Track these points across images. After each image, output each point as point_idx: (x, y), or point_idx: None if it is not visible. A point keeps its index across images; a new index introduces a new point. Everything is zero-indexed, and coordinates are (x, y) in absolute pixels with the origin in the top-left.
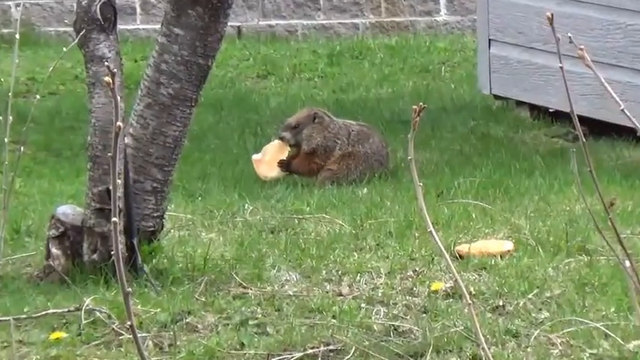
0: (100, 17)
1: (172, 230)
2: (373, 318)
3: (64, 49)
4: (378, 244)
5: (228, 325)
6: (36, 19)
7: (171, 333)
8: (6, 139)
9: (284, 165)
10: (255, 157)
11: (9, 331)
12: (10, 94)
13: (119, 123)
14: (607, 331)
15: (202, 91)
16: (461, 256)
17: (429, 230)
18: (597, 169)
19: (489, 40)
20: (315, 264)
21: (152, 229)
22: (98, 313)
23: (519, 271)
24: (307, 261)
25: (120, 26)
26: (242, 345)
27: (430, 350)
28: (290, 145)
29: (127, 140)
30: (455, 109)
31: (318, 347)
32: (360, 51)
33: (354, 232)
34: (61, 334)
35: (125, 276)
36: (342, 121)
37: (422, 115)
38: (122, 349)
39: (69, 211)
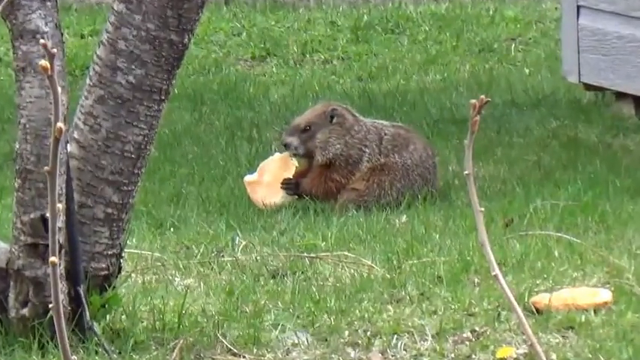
0: None
1: (134, 274)
2: None
3: None
4: (422, 294)
5: None
6: None
7: None
8: None
9: (291, 185)
10: (248, 178)
11: None
12: None
13: (60, 124)
14: None
15: (175, 79)
16: (539, 311)
17: (493, 274)
18: None
19: (578, 6)
20: (334, 322)
21: (106, 272)
22: None
23: (620, 330)
24: (323, 317)
25: None
26: None
27: None
28: (297, 156)
29: (70, 148)
30: (530, 104)
31: None
32: (397, 22)
33: (388, 276)
34: None
35: (68, 338)
36: (370, 121)
37: (484, 112)
38: None
39: None
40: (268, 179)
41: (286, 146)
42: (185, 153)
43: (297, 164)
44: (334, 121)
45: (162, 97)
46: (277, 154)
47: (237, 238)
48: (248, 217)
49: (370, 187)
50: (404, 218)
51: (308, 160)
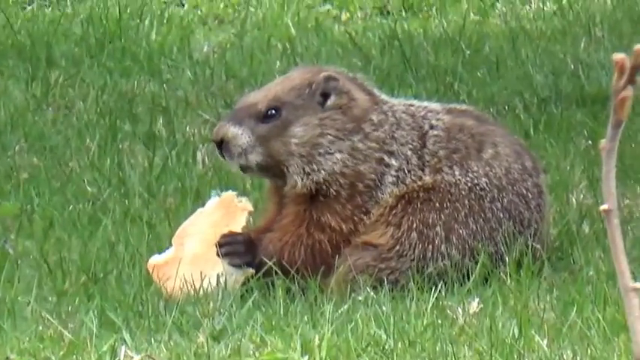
0: None
1: None
2: None
3: None
4: None
5: None
6: None
7: None
8: None
9: (238, 245)
10: (156, 260)
11: None
12: None
13: None
14: None
15: None
16: None
17: None
18: None
19: None
20: None
21: None
22: None
23: None
24: None
25: None
26: None
27: None
28: (248, 170)
29: None
30: None
31: None
32: None
33: None
34: None
35: None
36: (404, 102)
37: None
38: None
39: None
40: (195, 249)
41: (222, 146)
42: (13, 169)
43: (249, 207)
44: (330, 102)
45: None
46: (214, 200)
47: (124, 347)
48: (146, 302)
49: (401, 240)
50: (475, 304)
51: (273, 191)
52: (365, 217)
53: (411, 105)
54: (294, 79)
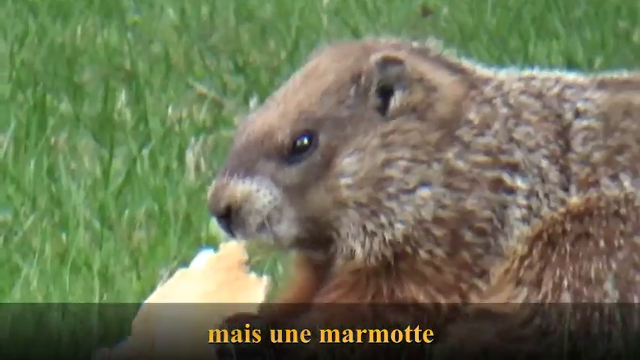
0: None
1: None
2: None
3: None
4: None
5: None
6: None
7: None
8: None
9: (257, 339)
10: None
11: None
12: None
13: None
14: None
15: None
16: None
17: None
18: None
19: None
20: None
21: None
22: None
23: None
24: None
25: None
26: None
27: None
28: (278, 246)
29: None
30: None
31: None
32: None
33: None
34: None
35: None
36: (518, 75)
37: None
38: None
39: None
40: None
41: (232, 219)
42: None
43: (265, 278)
44: (395, 102)
45: None
46: (206, 256)
47: None
48: None
49: (543, 307)
50: None
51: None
52: (479, 282)
53: (533, 78)
54: (327, 74)
